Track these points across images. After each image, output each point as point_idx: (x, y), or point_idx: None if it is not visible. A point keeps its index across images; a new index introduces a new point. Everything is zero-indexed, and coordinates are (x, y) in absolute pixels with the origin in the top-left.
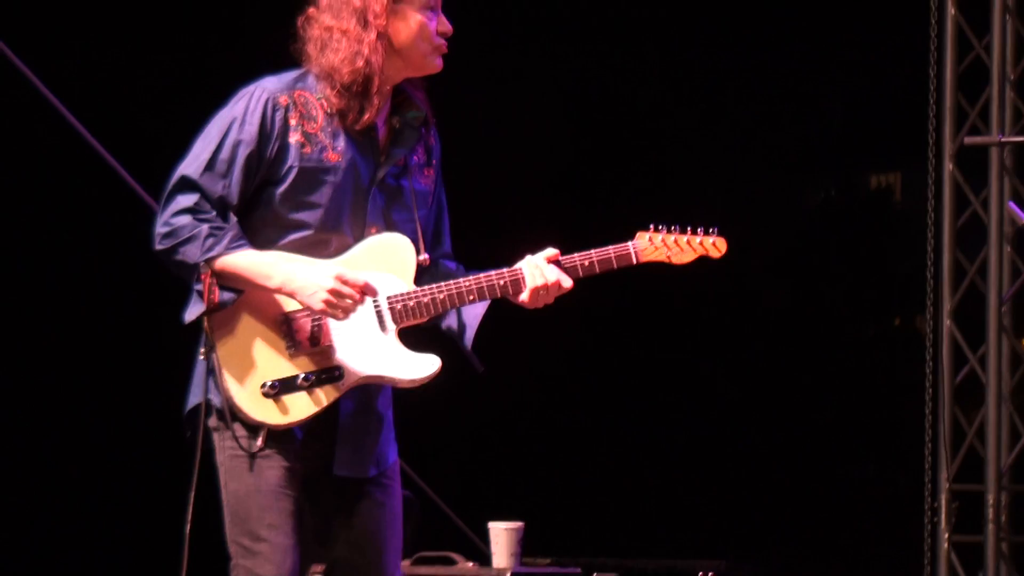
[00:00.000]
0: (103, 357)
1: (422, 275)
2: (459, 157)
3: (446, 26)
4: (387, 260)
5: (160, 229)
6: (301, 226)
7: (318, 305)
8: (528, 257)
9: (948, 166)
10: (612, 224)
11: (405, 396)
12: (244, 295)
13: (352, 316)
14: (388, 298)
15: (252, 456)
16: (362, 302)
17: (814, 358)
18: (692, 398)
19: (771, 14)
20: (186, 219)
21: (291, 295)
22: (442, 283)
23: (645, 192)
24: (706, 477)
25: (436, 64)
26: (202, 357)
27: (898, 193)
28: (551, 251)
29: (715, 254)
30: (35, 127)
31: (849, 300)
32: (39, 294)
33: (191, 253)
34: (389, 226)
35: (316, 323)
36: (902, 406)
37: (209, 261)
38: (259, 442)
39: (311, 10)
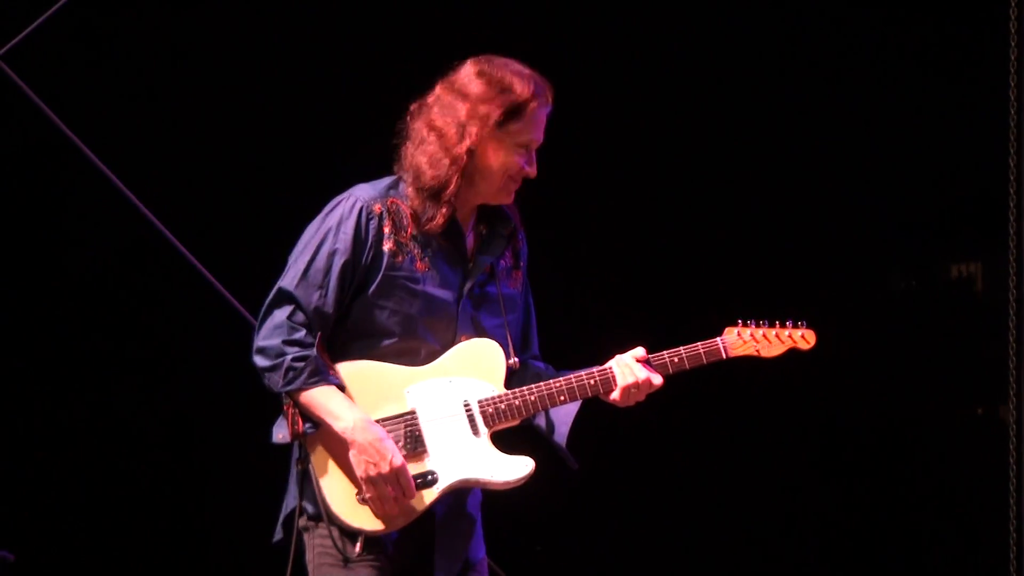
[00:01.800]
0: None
1: (511, 378)
2: (540, 257)
3: (532, 169)
4: (478, 364)
5: (256, 343)
6: (390, 334)
7: (360, 471)
8: (617, 356)
9: None
10: (700, 317)
11: (495, 494)
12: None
13: (445, 421)
14: (479, 402)
15: (346, 560)
16: (397, 500)
17: (896, 447)
18: (776, 483)
19: (847, 99)
20: (276, 341)
21: (350, 444)
22: (532, 385)
23: (727, 281)
24: (790, 559)
25: (506, 199)
26: (298, 468)
27: (979, 282)
28: (639, 350)
29: (804, 346)
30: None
31: (932, 389)
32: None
33: (274, 381)
34: (479, 333)
35: (409, 429)
36: (986, 496)
37: (290, 393)
38: (357, 548)
39: (429, 98)
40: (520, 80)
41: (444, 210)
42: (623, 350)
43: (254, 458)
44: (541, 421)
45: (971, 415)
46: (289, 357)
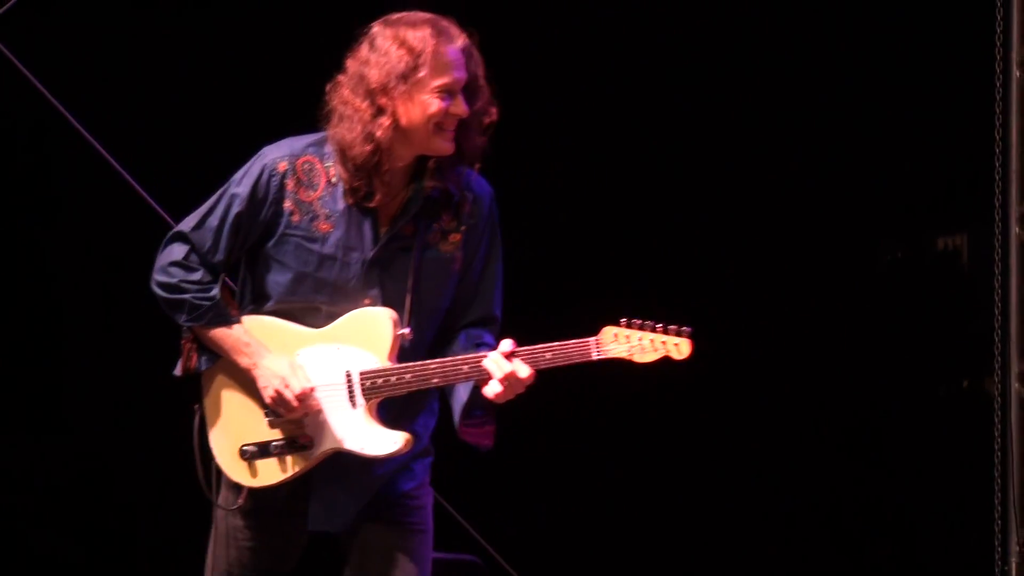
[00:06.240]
0: None
1: (442, 346)
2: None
3: (459, 108)
4: (366, 334)
5: (155, 276)
6: (291, 292)
7: (266, 398)
8: (490, 353)
9: (1014, 229)
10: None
11: (474, 464)
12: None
13: (326, 389)
14: (361, 373)
15: (229, 512)
16: (300, 412)
17: (883, 420)
18: (766, 460)
19: (833, 74)
20: (175, 279)
21: (254, 380)
22: (414, 363)
23: (706, 253)
24: (780, 540)
25: (440, 147)
26: (196, 413)
27: (965, 255)
28: (508, 343)
29: (677, 356)
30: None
31: (917, 362)
32: None
33: (176, 316)
34: (385, 296)
35: None
36: (971, 468)
37: (192, 328)
38: (240, 501)
39: (339, 76)
40: (413, 30)
41: (387, 180)
42: (592, 325)
43: None
44: (451, 400)
45: (956, 388)
46: (190, 295)
